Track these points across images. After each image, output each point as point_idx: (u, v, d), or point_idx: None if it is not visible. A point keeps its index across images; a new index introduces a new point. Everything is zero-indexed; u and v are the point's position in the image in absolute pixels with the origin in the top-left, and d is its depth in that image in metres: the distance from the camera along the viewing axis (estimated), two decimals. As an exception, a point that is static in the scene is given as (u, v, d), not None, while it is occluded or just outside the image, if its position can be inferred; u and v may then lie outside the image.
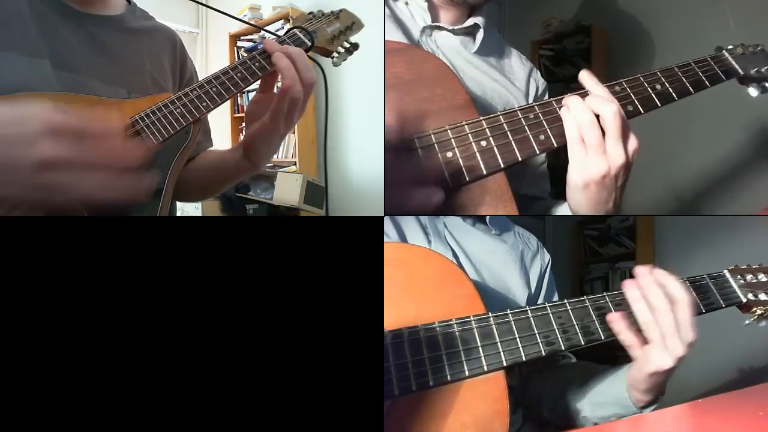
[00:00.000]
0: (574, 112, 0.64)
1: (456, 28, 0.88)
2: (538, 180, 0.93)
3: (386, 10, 0.86)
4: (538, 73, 0.98)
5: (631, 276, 0.64)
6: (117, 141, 0.50)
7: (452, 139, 0.65)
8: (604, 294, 0.66)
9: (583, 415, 0.72)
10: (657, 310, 0.60)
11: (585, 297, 0.65)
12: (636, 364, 0.63)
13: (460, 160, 0.64)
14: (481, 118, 0.66)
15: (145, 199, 0.53)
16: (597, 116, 0.64)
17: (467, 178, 0.64)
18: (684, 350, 0.59)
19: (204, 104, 0.70)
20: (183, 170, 0.84)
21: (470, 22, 0.88)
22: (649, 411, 0.66)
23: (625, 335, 0.61)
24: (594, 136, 0.63)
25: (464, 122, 0.66)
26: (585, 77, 0.67)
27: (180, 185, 0.82)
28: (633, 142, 0.64)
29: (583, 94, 0.67)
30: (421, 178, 0.63)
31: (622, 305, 0.65)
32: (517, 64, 0.96)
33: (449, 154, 0.64)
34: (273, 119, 0.71)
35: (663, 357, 0.59)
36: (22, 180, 0.47)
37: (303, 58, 0.71)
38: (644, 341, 0.61)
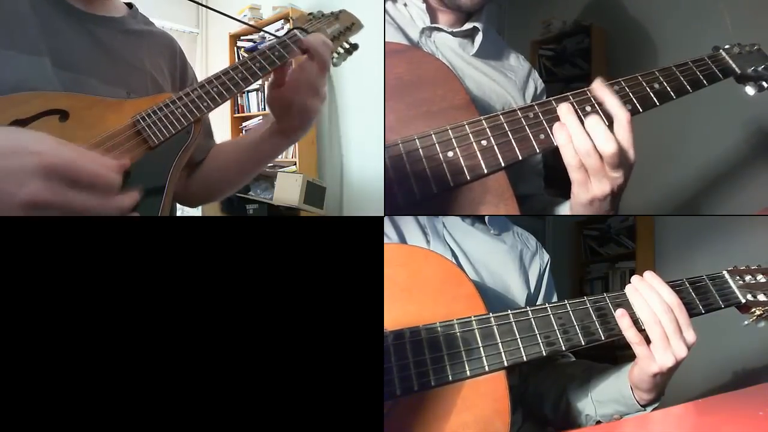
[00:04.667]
0: (573, 138, 0.65)
1: (455, 30, 0.88)
2: (533, 178, 0.93)
3: (386, 11, 0.86)
4: (536, 73, 0.98)
5: (630, 276, 0.67)
6: (109, 195, 0.51)
7: (453, 139, 0.65)
8: (604, 294, 0.66)
9: (587, 414, 0.72)
10: (657, 312, 0.62)
11: (585, 297, 0.65)
12: (639, 363, 0.64)
13: (461, 159, 0.65)
14: (482, 117, 0.67)
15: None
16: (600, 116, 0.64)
17: (468, 177, 0.65)
18: (686, 351, 0.61)
19: (204, 104, 0.70)
20: (201, 170, 0.83)
21: (469, 25, 0.89)
22: (650, 409, 0.67)
23: (630, 332, 0.62)
24: (594, 163, 0.64)
25: (465, 122, 0.66)
26: (598, 87, 0.67)
27: (201, 185, 0.82)
28: (631, 154, 0.65)
29: (582, 95, 0.68)
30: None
31: (622, 305, 0.65)
32: (515, 64, 0.96)
33: (450, 154, 0.65)
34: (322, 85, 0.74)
35: (666, 356, 0.61)
36: (5, 212, 0.47)
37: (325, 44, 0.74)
38: (648, 340, 0.63)
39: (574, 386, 0.75)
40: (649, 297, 0.64)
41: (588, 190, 0.66)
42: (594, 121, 0.64)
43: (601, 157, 0.64)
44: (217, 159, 0.88)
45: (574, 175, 0.66)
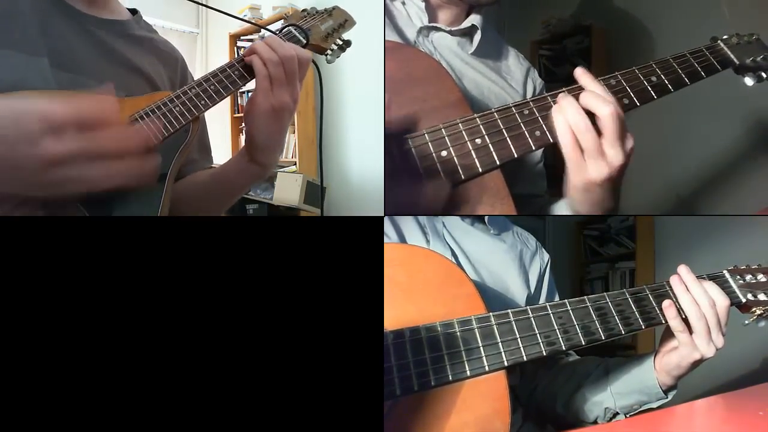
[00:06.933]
0: (567, 114, 0.63)
1: (453, 29, 0.88)
2: (535, 178, 0.93)
3: (384, 9, 0.86)
4: (536, 72, 0.98)
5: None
6: (116, 126, 0.51)
7: (446, 138, 0.65)
8: (604, 294, 0.66)
9: (606, 406, 0.73)
10: (702, 305, 0.65)
11: (585, 297, 0.65)
12: (680, 350, 0.66)
13: (455, 158, 0.64)
14: (476, 115, 0.66)
15: (151, 183, 0.54)
16: (591, 114, 0.64)
17: (463, 177, 0.64)
18: (722, 343, 0.65)
19: (202, 102, 0.70)
20: (179, 188, 0.79)
21: (468, 23, 0.88)
22: (671, 395, 0.70)
23: (675, 321, 0.65)
24: (590, 140, 0.62)
25: (458, 120, 0.65)
26: (580, 74, 0.67)
27: (177, 204, 0.78)
28: (629, 142, 0.64)
29: (578, 90, 0.67)
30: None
31: (622, 305, 0.65)
32: (514, 63, 0.96)
33: (444, 153, 0.64)
34: (261, 97, 0.70)
35: (709, 347, 0.64)
36: (28, 179, 0.47)
37: (275, 40, 0.71)
38: (690, 330, 0.65)
39: (590, 381, 0.75)
40: (695, 291, 0.66)
41: (583, 171, 0.64)
42: (588, 96, 0.63)
43: (598, 134, 0.62)
44: (198, 176, 0.85)
45: (570, 155, 0.64)
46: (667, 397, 0.70)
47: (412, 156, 0.64)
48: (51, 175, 0.47)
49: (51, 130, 0.47)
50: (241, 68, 0.73)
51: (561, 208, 0.79)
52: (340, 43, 0.83)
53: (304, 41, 0.78)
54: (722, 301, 0.66)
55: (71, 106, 0.49)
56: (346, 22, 0.84)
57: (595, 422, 0.74)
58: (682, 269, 0.68)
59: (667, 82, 0.70)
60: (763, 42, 0.79)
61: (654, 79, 0.70)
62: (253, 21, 2.85)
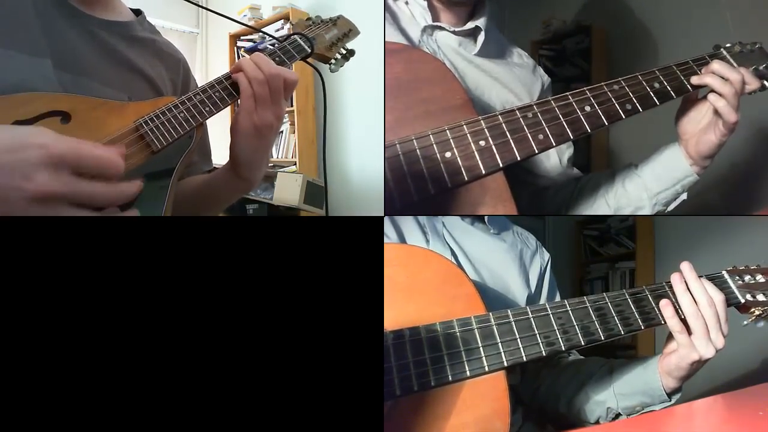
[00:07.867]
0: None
1: (457, 29, 0.88)
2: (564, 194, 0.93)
3: (386, 10, 0.87)
4: (541, 69, 0.98)
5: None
6: (113, 182, 0.52)
7: (451, 140, 0.65)
8: (604, 294, 0.66)
9: (608, 406, 0.73)
10: (700, 304, 0.65)
11: (585, 297, 0.65)
12: (679, 351, 0.66)
13: (459, 159, 0.65)
14: (480, 117, 0.67)
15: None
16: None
17: (466, 178, 0.65)
18: (723, 344, 0.64)
19: (207, 109, 0.70)
20: (177, 188, 0.79)
21: (471, 24, 0.88)
22: (675, 399, 0.69)
23: (673, 321, 0.65)
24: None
25: (463, 122, 0.66)
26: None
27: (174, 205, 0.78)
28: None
29: (580, 94, 0.67)
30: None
31: (621, 305, 0.65)
32: (518, 62, 0.96)
33: (448, 154, 0.65)
34: (243, 116, 0.70)
35: (707, 347, 0.64)
36: (12, 210, 0.47)
37: (261, 58, 0.70)
38: (689, 330, 0.65)
39: (593, 381, 0.76)
40: (694, 289, 0.66)
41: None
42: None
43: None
44: (189, 181, 0.85)
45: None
46: (670, 400, 0.69)
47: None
48: (32, 210, 0.47)
49: (48, 163, 0.47)
50: (229, 86, 0.72)
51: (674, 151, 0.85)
52: (344, 52, 0.84)
53: (309, 50, 0.78)
54: (718, 296, 0.66)
55: (75, 146, 0.49)
56: (350, 31, 0.85)
57: (597, 422, 0.74)
58: (685, 266, 0.68)
59: (669, 89, 0.71)
60: (766, 50, 0.80)
61: (657, 85, 0.71)
62: (252, 23, 2.85)
